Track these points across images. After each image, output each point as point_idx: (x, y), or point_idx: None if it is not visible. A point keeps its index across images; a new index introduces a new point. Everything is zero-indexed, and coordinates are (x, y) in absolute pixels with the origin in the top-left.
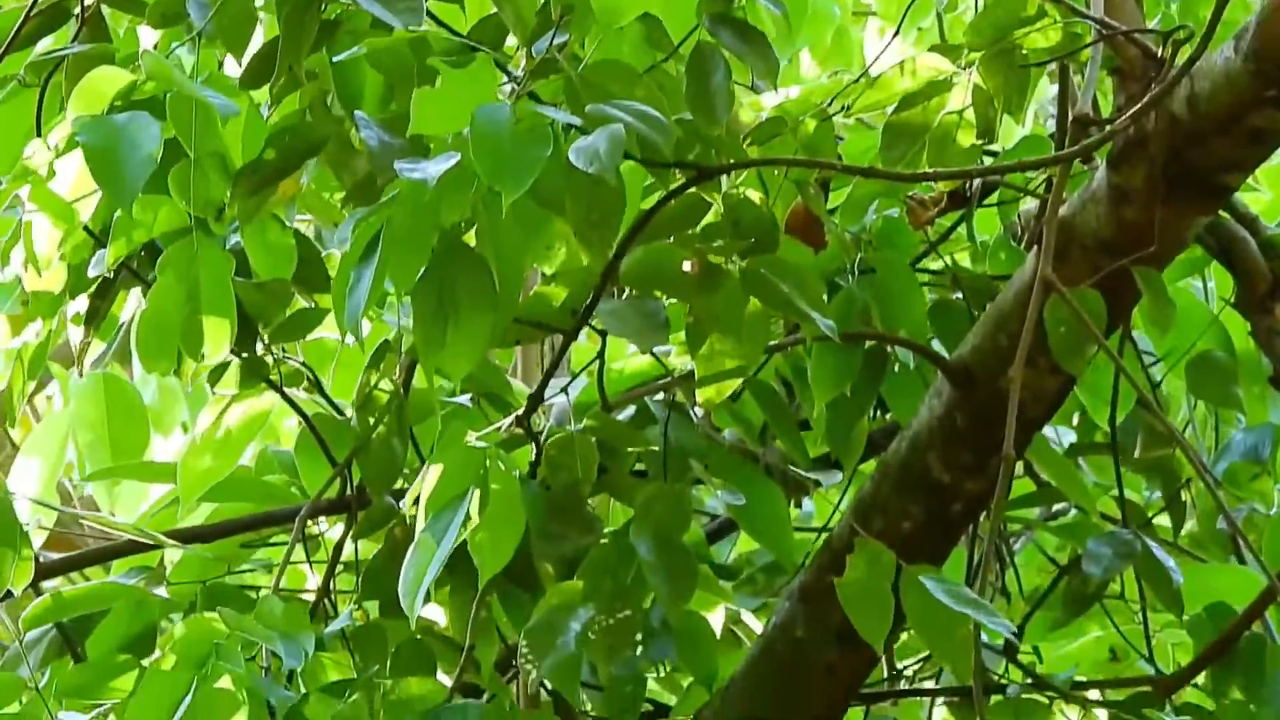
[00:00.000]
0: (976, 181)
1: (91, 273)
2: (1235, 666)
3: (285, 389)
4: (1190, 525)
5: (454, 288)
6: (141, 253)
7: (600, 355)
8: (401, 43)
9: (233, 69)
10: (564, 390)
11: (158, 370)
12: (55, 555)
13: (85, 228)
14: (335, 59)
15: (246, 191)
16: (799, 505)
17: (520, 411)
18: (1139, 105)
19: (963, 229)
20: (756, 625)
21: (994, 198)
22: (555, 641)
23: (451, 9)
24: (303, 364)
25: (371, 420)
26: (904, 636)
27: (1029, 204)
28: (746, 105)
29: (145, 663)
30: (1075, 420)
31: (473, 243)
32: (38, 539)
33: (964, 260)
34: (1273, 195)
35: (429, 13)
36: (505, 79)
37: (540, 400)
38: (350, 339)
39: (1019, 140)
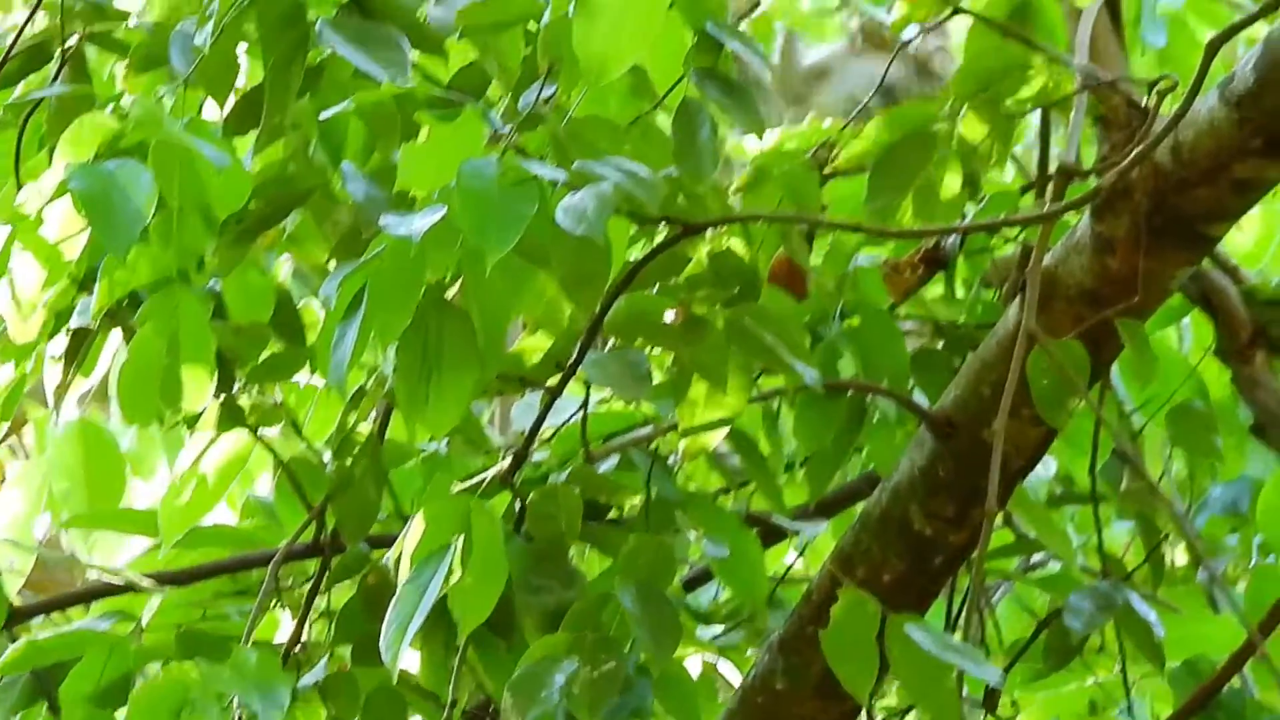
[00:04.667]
0: (954, 236)
1: (76, 322)
2: None
3: (263, 429)
4: (1174, 561)
5: (438, 344)
6: (123, 300)
7: (584, 406)
8: (387, 97)
9: (211, 112)
10: (548, 442)
11: (138, 421)
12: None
13: (70, 276)
14: (322, 115)
15: (230, 242)
16: None
17: (505, 464)
18: (1125, 159)
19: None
20: (732, 673)
21: (968, 245)
22: (539, 695)
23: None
24: (280, 405)
25: (348, 465)
26: (883, 690)
27: (1006, 251)
28: (731, 150)
29: (119, 715)
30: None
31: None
32: (15, 583)
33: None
34: (1254, 240)
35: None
36: (491, 131)
37: (526, 455)
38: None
39: (989, 196)
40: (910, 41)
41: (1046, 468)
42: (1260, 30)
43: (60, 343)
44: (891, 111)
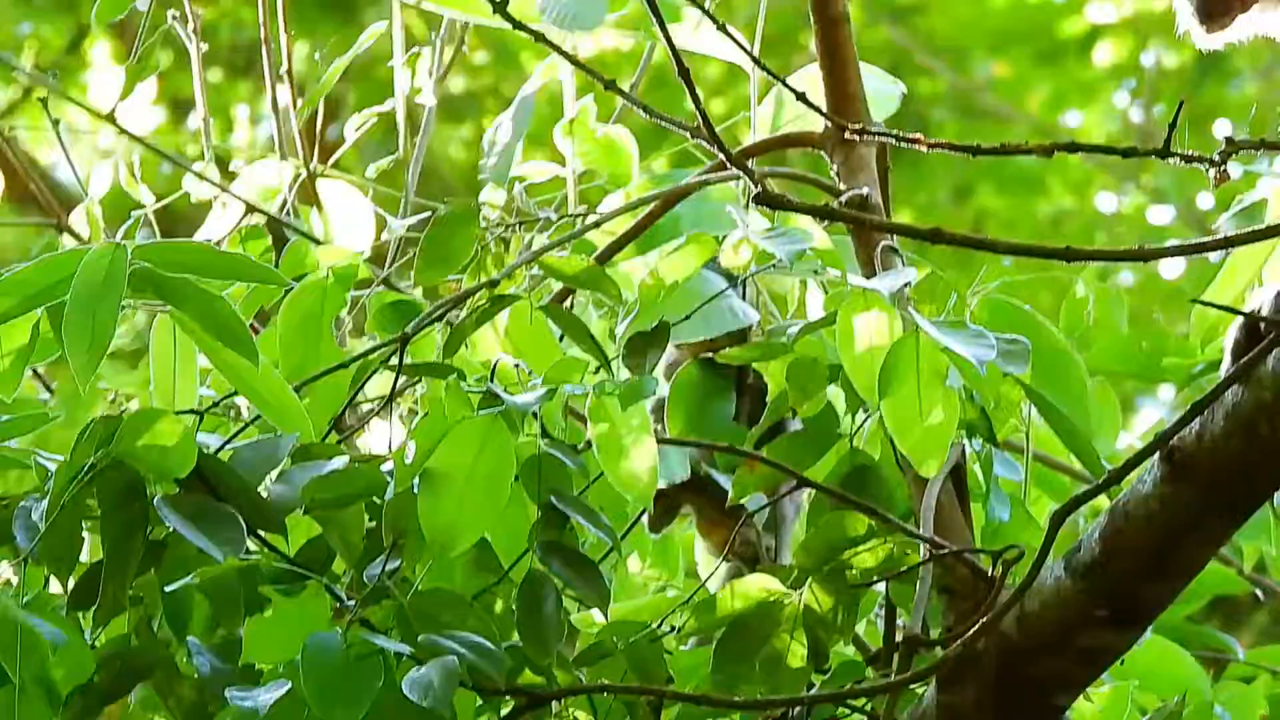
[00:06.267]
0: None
1: None
2: None
3: None
4: None
5: None
6: None
7: None
8: (231, 572)
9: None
10: None
11: None
12: None
13: None
14: (166, 589)
15: (73, 718)
16: None
17: None
18: (970, 629)
19: None
20: None
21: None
22: None
23: None
24: None
25: None
26: None
27: None
28: (577, 620)
29: None
30: None
31: None
32: None
33: None
34: (1102, 707)
35: (257, 534)
36: (336, 604)
37: None
38: None
39: (836, 666)
40: (756, 511)
41: None
42: (1103, 502)
43: None
44: (737, 583)
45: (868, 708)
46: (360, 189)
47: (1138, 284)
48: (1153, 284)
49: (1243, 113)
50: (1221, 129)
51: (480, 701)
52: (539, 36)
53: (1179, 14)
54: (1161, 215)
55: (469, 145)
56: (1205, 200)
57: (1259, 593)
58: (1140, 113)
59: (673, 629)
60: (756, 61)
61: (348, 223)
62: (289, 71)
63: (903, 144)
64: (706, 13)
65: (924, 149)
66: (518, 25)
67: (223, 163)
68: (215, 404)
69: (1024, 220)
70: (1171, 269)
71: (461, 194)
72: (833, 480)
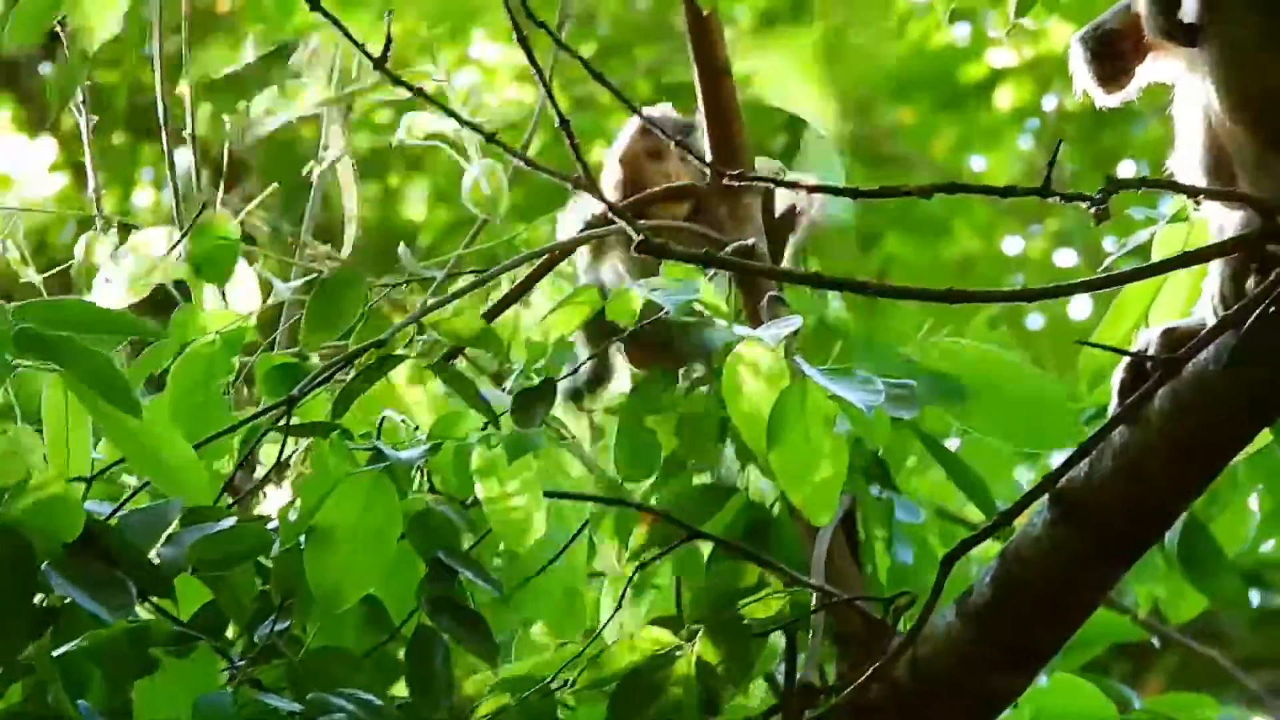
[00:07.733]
0: None
1: None
2: None
3: None
4: None
5: None
6: None
7: None
8: (121, 635)
9: None
10: None
11: None
12: None
13: None
14: (56, 653)
15: None
16: None
17: None
18: (862, 676)
19: None
20: None
21: None
22: None
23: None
24: None
25: None
26: None
27: None
28: (475, 679)
29: None
30: None
31: None
32: None
33: None
34: None
35: (153, 604)
36: (227, 665)
37: None
38: None
39: (734, 716)
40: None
41: None
42: (993, 547)
43: None
44: (632, 637)
45: None
46: (260, 252)
47: (1047, 327)
48: (1062, 326)
49: (1147, 153)
50: (1125, 170)
51: None
52: (417, 92)
53: (1076, 76)
54: (1067, 258)
55: (373, 204)
56: (1110, 243)
57: (1155, 641)
58: (1045, 155)
59: (567, 683)
60: (636, 112)
61: (234, 287)
62: (192, 134)
63: (783, 188)
64: (581, 61)
65: (805, 194)
66: (398, 81)
67: (126, 227)
68: (103, 471)
69: (932, 265)
70: (1079, 310)
71: (370, 253)
72: (730, 533)
